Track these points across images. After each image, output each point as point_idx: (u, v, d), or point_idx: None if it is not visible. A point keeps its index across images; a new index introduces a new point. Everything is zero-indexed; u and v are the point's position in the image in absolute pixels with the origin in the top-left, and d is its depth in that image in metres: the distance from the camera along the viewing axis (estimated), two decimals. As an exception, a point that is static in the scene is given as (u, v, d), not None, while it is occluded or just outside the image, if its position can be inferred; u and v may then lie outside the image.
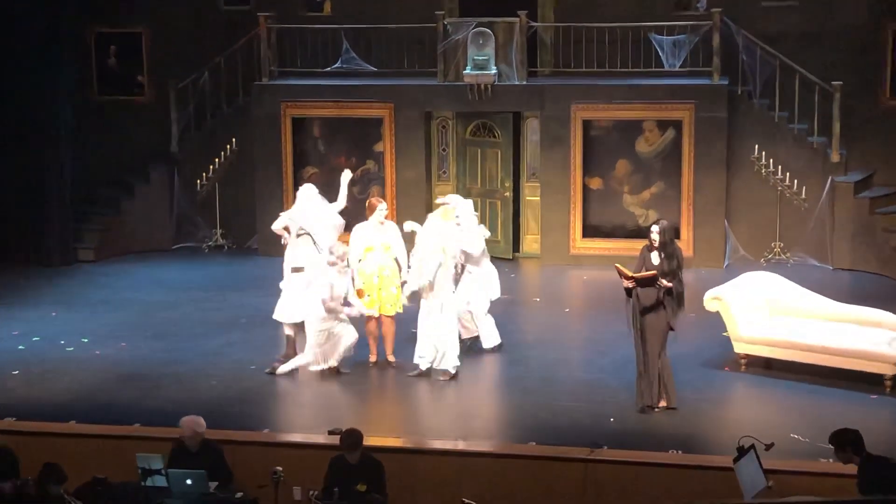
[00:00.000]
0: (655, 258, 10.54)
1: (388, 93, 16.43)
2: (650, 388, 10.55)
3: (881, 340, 11.20)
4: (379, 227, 11.74)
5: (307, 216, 11.81)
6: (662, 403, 10.63)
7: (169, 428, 9.83)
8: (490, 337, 12.24)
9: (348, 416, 10.61)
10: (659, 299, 10.45)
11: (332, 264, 11.24)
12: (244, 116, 17.00)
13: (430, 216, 11.69)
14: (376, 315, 11.76)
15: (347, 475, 8.80)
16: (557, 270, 15.83)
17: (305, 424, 10.53)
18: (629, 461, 9.58)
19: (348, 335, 11.44)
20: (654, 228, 10.56)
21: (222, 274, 15.98)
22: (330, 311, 11.24)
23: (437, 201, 12.18)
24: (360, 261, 11.67)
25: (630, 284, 10.42)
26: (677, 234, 15.28)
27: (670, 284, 10.42)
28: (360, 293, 11.57)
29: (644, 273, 10.43)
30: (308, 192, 12.06)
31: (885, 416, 10.57)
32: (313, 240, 11.69)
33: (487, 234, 12.30)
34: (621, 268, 10.51)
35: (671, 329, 10.58)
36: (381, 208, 11.73)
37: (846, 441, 7.97)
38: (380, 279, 11.70)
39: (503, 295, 13.18)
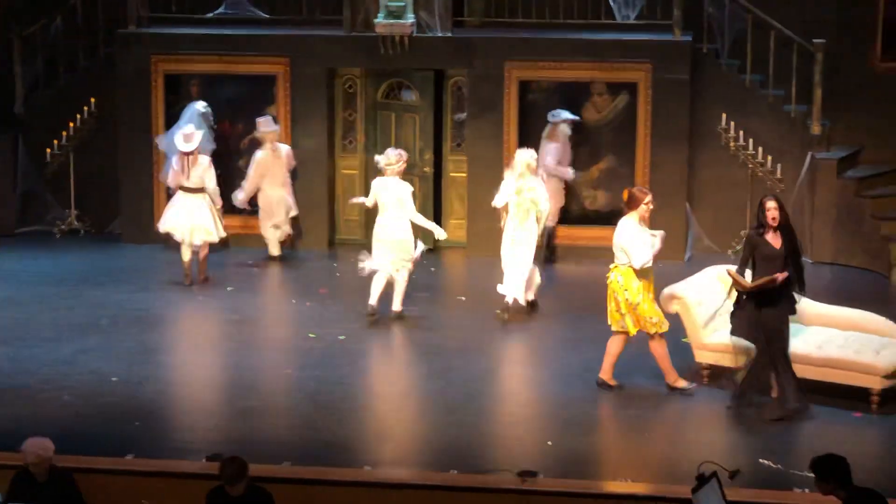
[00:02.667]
0: (773, 240, 10.93)
1: (284, 45, 16.39)
2: (792, 388, 10.96)
3: (868, 349, 11.45)
4: (643, 223, 11.71)
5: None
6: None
7: (9, 453, 9.74)
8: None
9: (232, 438, 10.61)
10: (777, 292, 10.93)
11: None
12: (106, 72, 16.85)
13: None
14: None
15: (230, 511, 8.80)
16: (487, 263, 15.92)
17: (179, 448, 10.51)
18: (569, 492, 9.68)
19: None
20: (771, 205, 10.93)
21: (77, 265, 15.84)
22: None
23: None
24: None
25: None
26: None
27: (785, 274, 10.86)
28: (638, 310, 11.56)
29: (763, 280, 10.84)
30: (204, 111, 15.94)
31: (870, 439, 10.82)
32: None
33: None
34: (736, 275, 11.02)
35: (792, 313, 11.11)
36: (649, 201, 11.67)
37: (830, 470, 8.12)
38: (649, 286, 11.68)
39: (423, 293, 13.32)
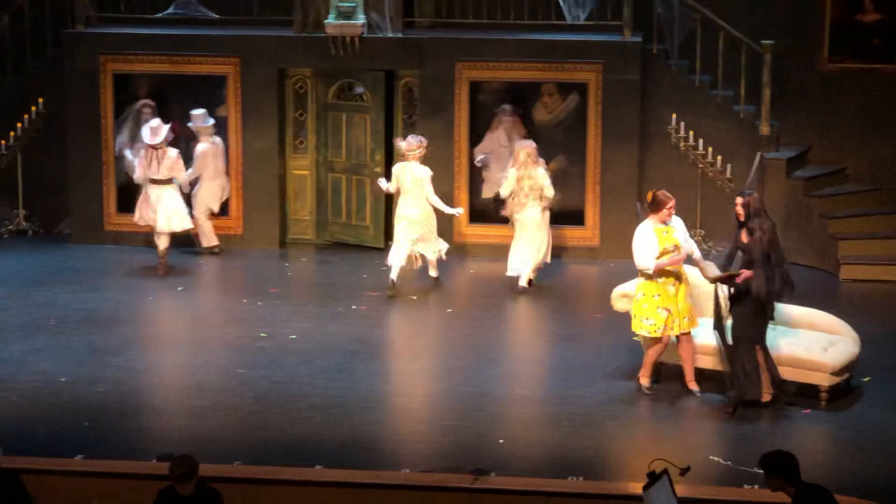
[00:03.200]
0: (743, 235, 11.15)
1: (234, 45, 16.31)
2: (751, 382, 11.03)
3: (816, 346, 11.52)
4: (665, 227, 11.65)
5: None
6: (766, 398, 11.17)
7: (-44, 455, 9.63)
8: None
9: (182, 438, 10.55)
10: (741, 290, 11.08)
11: None
12: (54, 72, 16.70)
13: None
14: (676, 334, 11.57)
15: (180, 510, 8.74)
16: (438, 262, 15.92)
17: (129, 448, 10.43)
18: (521, 490, 9.70)
19: None
20: (738, 200, 11.18)
21: (25, 265, 15.70)
22: None
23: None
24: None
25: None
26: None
27: (748, 273, 10.98)
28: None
29: (724, 274, 11.08)
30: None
31: (819, 435, 10.90)
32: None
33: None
34: (701, 263, 11.29)
35: (770, 317, 11.21)
36: (672, 206, 11.63)
37: (779, 467, 8.18)
38: (676, 288, 11.54)
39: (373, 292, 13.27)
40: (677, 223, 11.70)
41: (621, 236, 16.02)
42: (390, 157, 16.58)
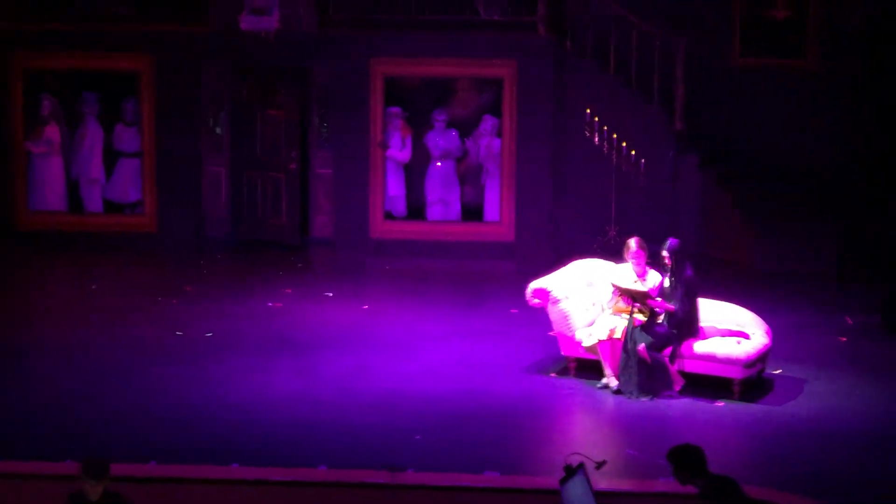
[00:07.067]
0: (666, 281, 11.46)
1: (147, 41, 16.13)
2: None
3: (730, 339, 11.62)
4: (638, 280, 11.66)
5: None
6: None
7: None
8: None
9: (98, 439, 10.41)
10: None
11: None
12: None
13: None
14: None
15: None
16: (354, 259, 15.87)
17: (40, 450, 10.28)
18: (437, 486, 9.69)
19: None
20: (664, 253, 11.42)
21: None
22: None
23: None
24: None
25: (624, 306, 11.43)
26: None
27: (668, 306, 11.35)
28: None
29: (637, 289, 11.36)
30: None
31: (733, 426, 11.00)
32: None
33: None
34: (617, 283, 11.49)
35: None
36: (632, 254, 11.60)
37: (685, 460, 8.23)
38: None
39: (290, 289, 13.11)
40: (653, 282, 11.63)
41: (536, 231, 16.10)
42: (305, 154, 16.51)
